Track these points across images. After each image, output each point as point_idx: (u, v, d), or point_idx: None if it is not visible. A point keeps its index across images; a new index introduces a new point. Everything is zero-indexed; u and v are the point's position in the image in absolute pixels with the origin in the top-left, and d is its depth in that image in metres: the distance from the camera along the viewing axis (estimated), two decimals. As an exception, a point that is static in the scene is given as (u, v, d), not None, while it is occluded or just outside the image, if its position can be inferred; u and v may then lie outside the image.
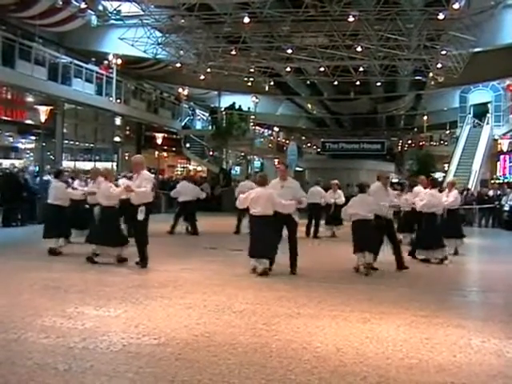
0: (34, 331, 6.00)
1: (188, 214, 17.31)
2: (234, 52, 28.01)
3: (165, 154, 39.29)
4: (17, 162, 23.72)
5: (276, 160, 47.64)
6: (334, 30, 24.61)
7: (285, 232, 10.61)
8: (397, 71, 30.42)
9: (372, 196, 11.10)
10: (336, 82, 32.76)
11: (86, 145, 31.41)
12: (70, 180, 14.71)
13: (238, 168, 45.77)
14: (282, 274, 10.23)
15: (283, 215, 10.35)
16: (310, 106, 48.01)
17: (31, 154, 27.01)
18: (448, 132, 43.27)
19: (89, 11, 25.38)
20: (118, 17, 26.55)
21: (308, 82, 35.93)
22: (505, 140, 35.35)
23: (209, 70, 30.61)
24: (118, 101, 30.80)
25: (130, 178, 14.56)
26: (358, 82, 32.64)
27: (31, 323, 6.32)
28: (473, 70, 28.91)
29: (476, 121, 37.87)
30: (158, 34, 26.88)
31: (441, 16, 22.41)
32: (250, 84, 34.17)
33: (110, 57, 29.51)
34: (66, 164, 27.78)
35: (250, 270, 10.20)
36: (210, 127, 38.99)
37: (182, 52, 29.06)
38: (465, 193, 25.00)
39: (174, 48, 28.55)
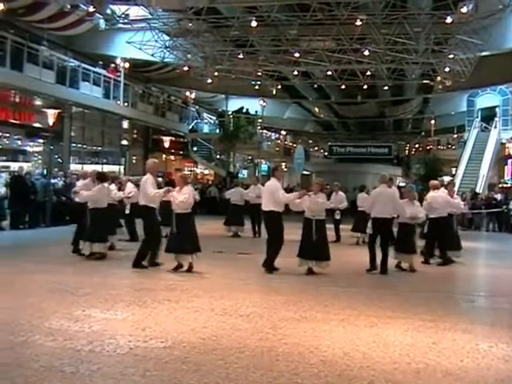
0: (41, 334, 6.02)
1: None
2: (241, 56, 28.06)
3: (172, 157, 39.37)
4: (25, 165, 23.77)
5: (283, 163, 47.70)
6: (341, 33, 24.59)
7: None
8: (404, 75, 30.38)
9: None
10: (343, 86, 32.71)
11: (94, 148, 31.51)
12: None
13: (245, 171, 45.78)
14: (288, 278, 10.23)
15: None
16: (317, 109, 48.01)
17: (39, 157, 27.10)
18: (455, 136, 43.09)
19: (97, 15, 25.45)
20: (125, 20, 26.63)
21: (315, 86, 35.91)
22: (513, 144, 35.27)
23: (216, 73, 30.64)
24: (126, 104, 30.87)
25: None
26: (365, 86, 32.59)
27: (38, 326, 6.34)
28: (480, 74, 28.84)
29: (484, 125, 37.74)
30: (166, 37, 26.94)
31: (448, 20, 22.33)
32: (257, 88, 34.19)
33: (118, 60, 29.60)
34: (74, 167, 27.88)
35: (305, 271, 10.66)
36: (218, 131, 39.04)
37: (189, 55, 29.13)
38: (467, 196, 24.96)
39: (182, 51, 28.62)
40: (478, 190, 29.11)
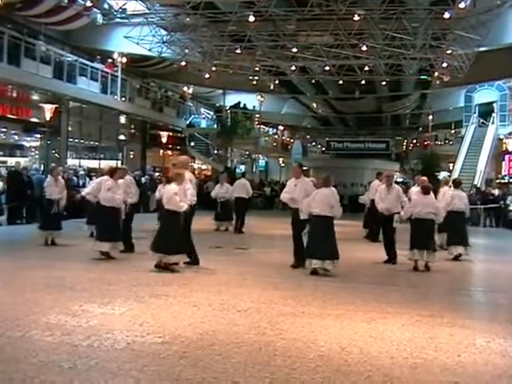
0: (38, 329, 6.02)
1: None
2: (239, 51, 27.95)
3: (169, 152, 39.28)
4: (22, 160, 23.73)
5: (281, 159, 47.78)
6: (339, 28, 24.51)
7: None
8: (402, 70, 30.34)
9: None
10: (341, 81, 32.62)
11: (91, 143, 31.43)
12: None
13: (242, 167, 45.78)
14: (286, 273, 10.23)
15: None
16: (314, 105, 47.95)
17: (36, 152, 27.05)
18: (453, 131, 43.10)
19: (94, 9, 25.41)
20: (123, 15, 26.59)
21: (313, 81, 35.84)
22: (510, 139, 35.24)
23: (214, 68, 30.55)
24: (123, 99, 30.81)
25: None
26: (363, 81, 32.52)
27: (36, 321, 6.34)
28: (478, 70, 28.81)
29: (481, 120, 37.75)
30: (163, 32, 26.84)
31: (446, 15, 22.31)
32: (254, 83, 34.12)
33: (116, 55, 29.53)
34: (71, 162, 27.85)
35: (309, 271, 10.10)
36: (215, 126, 39.01)
37: (187, 50, 29.03)
38: (471, 191, 25.02)
39: (179, 46, 28.52)
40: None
